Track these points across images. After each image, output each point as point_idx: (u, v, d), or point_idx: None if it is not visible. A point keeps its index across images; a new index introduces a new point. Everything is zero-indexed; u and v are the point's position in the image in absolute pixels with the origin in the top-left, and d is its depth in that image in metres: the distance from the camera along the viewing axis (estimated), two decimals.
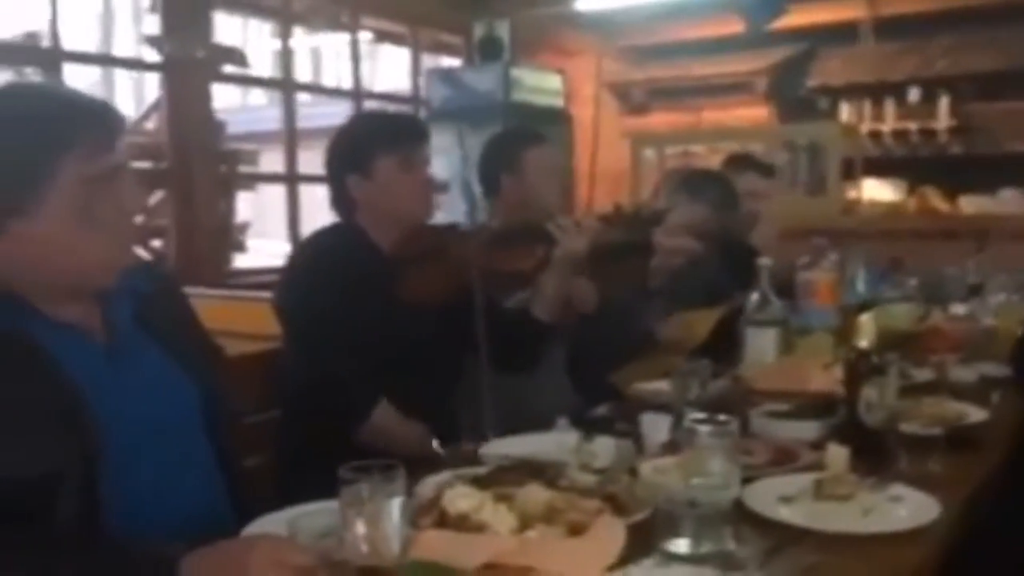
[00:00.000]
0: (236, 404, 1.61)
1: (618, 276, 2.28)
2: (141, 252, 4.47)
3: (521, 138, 2.59)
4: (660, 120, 6.45)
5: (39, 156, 1.16)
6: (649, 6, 5.73)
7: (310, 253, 1.98)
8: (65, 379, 1.18)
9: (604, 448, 1.52)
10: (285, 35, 5.01)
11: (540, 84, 5.78)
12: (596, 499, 1.16)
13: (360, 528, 0.99)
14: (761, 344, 2.04)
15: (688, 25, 6.03)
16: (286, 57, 4.97)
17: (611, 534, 1.06)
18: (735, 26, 5.41)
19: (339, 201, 2.03)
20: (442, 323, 1.93)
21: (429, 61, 5.93)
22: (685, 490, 1.14)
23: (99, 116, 1.22)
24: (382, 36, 6.08)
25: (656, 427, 1.54)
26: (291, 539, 1.03)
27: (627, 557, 1.08)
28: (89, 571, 1.01)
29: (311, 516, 1.10)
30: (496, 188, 2.51)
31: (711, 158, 6.06)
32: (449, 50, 6.14)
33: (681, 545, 1.13)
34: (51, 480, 1.12)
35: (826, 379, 1.75)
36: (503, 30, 5.78)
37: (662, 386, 1.77)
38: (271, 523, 1.19)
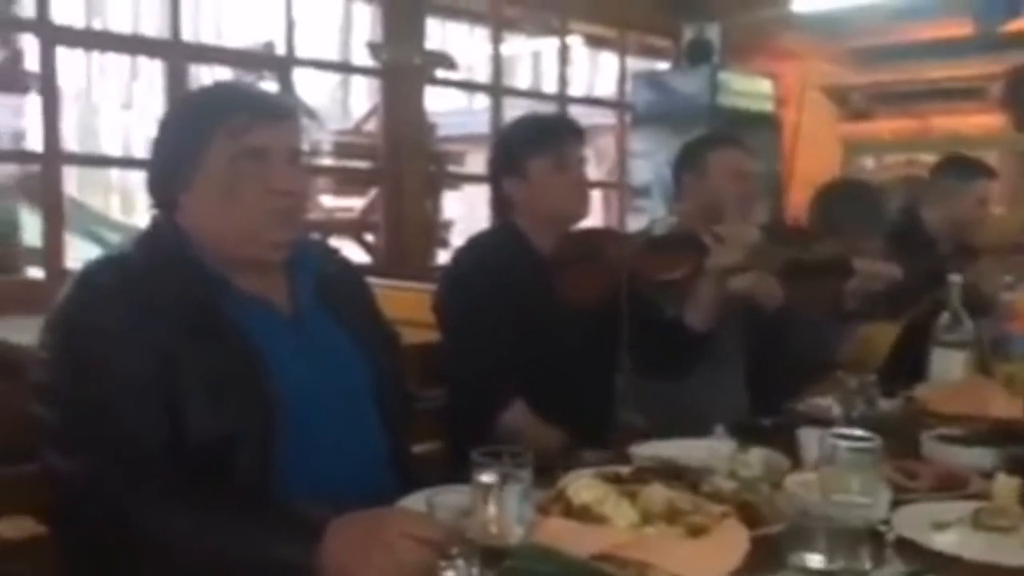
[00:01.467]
0: (411, 388, 1.72)
1: (811, 295, 2.20)
2: (354, 244, 4.80)
3: (707, 140, 2.57)
4: (882, 126, 6.12)
5: (196, 136, 1.33)
6: (872, 6, 5.45)
7: (469, 254, 2.07)
8: (250, 346, 1.32)
9: (758, 458, 1.50)
10: (496, 40, 5.19)
11: (749, 88, 5.65)
12: (727, 506, 1.15)
13: (488, 510, 1.05)
14: (948, 366, 1.91)
15: (914, 26, 5.68)
16: (496, 62, 5.16)
17: (733, 540, 1.06)
18: (965, 28, 5.05)
19: (498, 204, 2.11)
20: (595, 326, 1.96)
21: (636, 65, 5.94)
22: (821, 505, 1.12)
23: (248, 102, 1.37)
24: (591, 40, 6.16)
25: (812, 442, 1.50)
26: (426, 514, 1.11)
27: (752, 567, 1.08)
28: (246, 526, 1.13)
29: (449, 495, 1.17)
30: (679, 191, 2.51)
31: None
32: (657, 54, 6.12)
33: (813, 560, 1.11)
34: (232, 440, 1.26)
35: (1009, 404, 1.63)
36: (713, 33, 5.70)
37: (828, 401, 1.72)
38: (418, 501, 1.27)
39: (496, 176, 2.08)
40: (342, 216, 5.27)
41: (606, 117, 6.03)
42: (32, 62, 4.47)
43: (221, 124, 1.33)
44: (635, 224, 5.26)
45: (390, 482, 1.43)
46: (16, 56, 4.96)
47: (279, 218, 1.35)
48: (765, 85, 5.72)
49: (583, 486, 1.09)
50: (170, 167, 1.36)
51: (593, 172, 4.49)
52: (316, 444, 1.34)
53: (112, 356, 1.23)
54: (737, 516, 1.12)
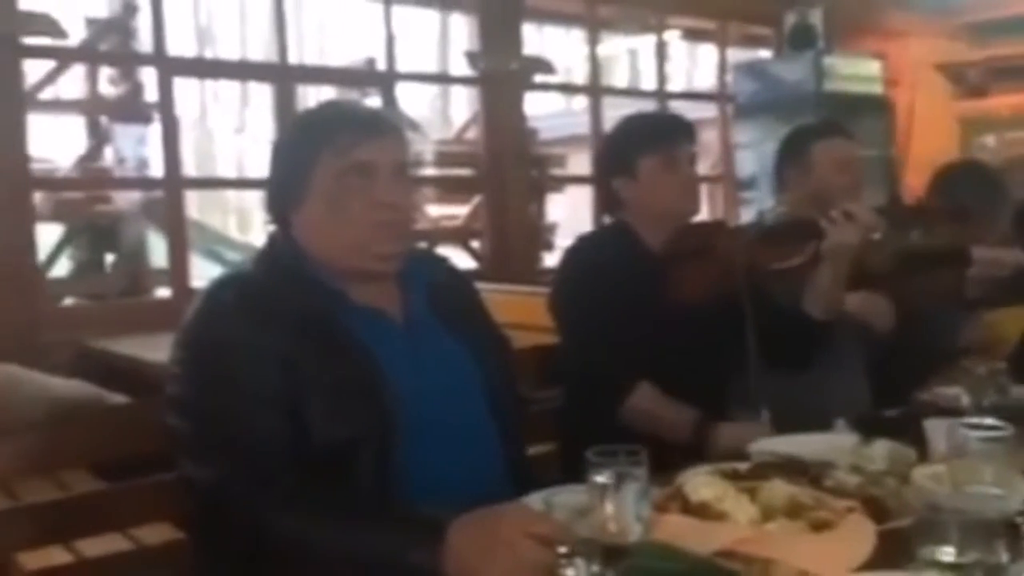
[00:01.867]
0: (524, 391, 1.74)
1: (927, 287, 2.13)
2: (460, 251, 4.87)
3: (811, 130, 2.51)
4: (1000, 103, 5.84)
5: (305, 155, 1.39)
6: None
7: (579, 253, 2.07)
8: (367, 355, 1.36)
9: (882, 451, 1.46)
10: (592, 41, 5.19)
11: (856, 71, 5.47)
12: (852, 500, 1.13)
13: (606, 508, 1.05)
14: None
15: None
16: (593, 62, 5.16)
17: (860, 535, 1.04)
18: None
19: (606, 203, 2.11)
20: (711, 322, 1.94)
21: (737, 55, 5.84)
22: (951, 497, 1.09)
23: (352, 120, 1.42)
24: (689, 34, 6.08)
25: (940, 433, 1.45)
26: (545, 513, 1.12)
27: (880, 562, 1.05)
28: (372, 527, 1.17)
29: (567, 494, 1.18)
30: (783, 183, 2.46)
31: None
32: (758, 42, 6.00)
33: (945, 554, 1.07)
34: (352, 445, 1.31)
35: None
36: (816, 18, 5.54)
37: (956, 391, 1.65)
38: (535, 501, 1.29)
39: (604, 175, 2.08)
40: (447, 224, 5.35)
41: (707, 110, 5.95)
42: (151, 93, 4.72)
43: (327, 142, 1.37)
44: (744, 217, 5.17)
45: (506, 485, 1.44)
46: (137, 89, 5.23)
47: (386, 231, 1.39)
48: (873, 67, 5.54)
49: (701, 483, 1.09)
50: (282, 186, 1.43)
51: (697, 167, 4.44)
52: (433, 449, 1.37)
53: (237, 368, 1.29)
54: (862, 510, 1.09)
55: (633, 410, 1.86)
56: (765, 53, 5.93)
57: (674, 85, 6.03)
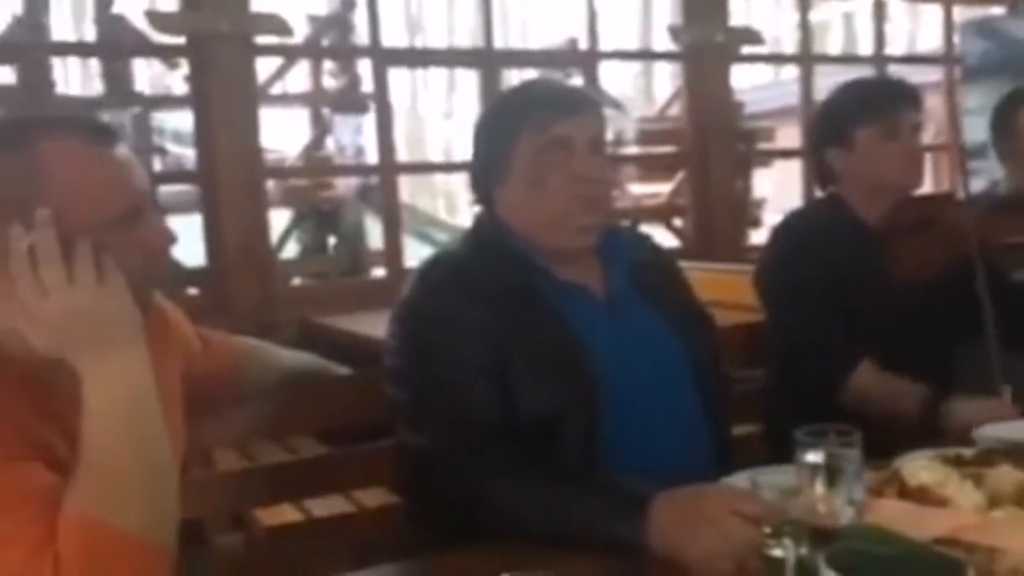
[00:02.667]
0: (728, 370, 1.71)
1: None
2: (662, 230, 4.83)
3: (1016, 97, 2.29)
4: None
5: (507, 133, 1.42)
6: None
7: (790, 229, 1.99)
8: (573, 332, 1.39)
9: None
10: (803, 8, 4.97)
11: None
12: None
13: (816, 490, 1.02)
14: None
15: None
16: (804, 30, 4.94)
17: None
18: None
19: (820, 175, 2.01)
20: (935, 298, 1.81)
21: (965, 14, 5.39)
22: None
23: (550, 97, 1.45)
24: None
25: None
26: (752, 492, 1.11)
27: None
28: (579, 498, 1.19)
29: (775, 473, 1.16)
30: (997, 154, 2.27)
31: None
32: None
33: None
34: (559, 416, 1.34)
35: None
36: None
37: None
38: (741, 480, 1.27)
39: (818, 146, 1.98)
40: (650, 203, 5.31)
41: (931, 74, 5.54)
42: (367, 84, 4.98)
43: (527, 120, 1.41)
44: (972, 189, 4.79)
45: (711, 464, 1.43)
46: (355, 81, 5.55)
47: (583, 204, 1.41)
48: None
49: (921, 467, 1.03)
50: (485, 165, 1.47)
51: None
52: (636, 424, 1.38)
53: (450, 341, 1.35)
54: None
55: (856, 390, 1.77)
56: (997, 10, 5.44)
57: (894, 48, 5.65)
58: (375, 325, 1.96)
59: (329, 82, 5.94)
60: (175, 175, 4.97)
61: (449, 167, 7.80)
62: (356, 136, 5.69)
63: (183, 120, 5.57)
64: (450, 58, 5.92)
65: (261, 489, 1.66)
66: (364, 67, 5.04)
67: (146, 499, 0.99)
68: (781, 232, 2.01)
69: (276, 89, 5.62)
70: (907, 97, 1.94)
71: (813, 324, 1.84)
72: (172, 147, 6.06)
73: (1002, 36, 4.96)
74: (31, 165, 1.00)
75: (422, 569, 1.19)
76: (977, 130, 5.00)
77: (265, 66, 4.80)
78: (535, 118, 1.41)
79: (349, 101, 5.64)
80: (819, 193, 2.07)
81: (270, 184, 4.09)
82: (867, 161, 1.90)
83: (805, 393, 1.79)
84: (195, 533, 1.71)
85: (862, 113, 1.90)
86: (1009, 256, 1.81)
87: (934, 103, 5.66)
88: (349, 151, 5.69)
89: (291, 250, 5.79)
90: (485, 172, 1.48)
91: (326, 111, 5.93)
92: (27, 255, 0.97)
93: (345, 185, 5.71)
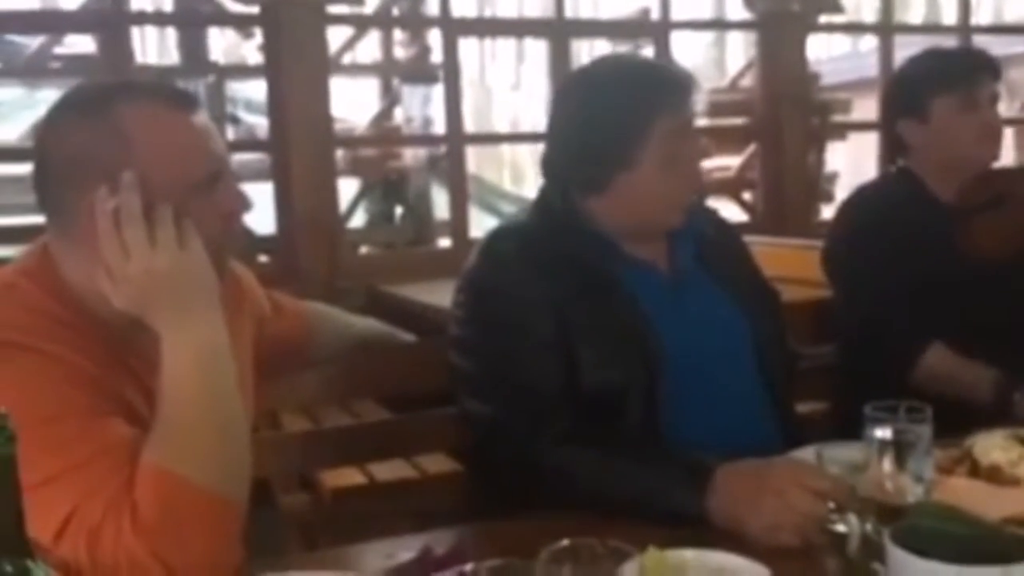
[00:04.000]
0: (795, 346, 1.69)
1: None
2: (732, 203, 4.75)
3: None
4: None
5: (640, 116, 1.39)
6: None
7: (860, 204, 1.94)
8: (637, 307, 1.39)
9: None
10: None
11: None
12: None
13: (884, 466, 1.01)
14: None
15: None
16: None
17: None
18: None
19: (892, 148, 1.96)
20: (1011, 276, 1.76)
21: None
22: None
23: (679, 81, 1.43)
24: None
25: None
26: (817, 466, 1.09)
27: None
28: (642, 467, 1.20)
29: (842, 448, 1.14)
30: None
31: None
32: None
33: None
34: (621, 390, 1.34)
35: None
36: None
37: None
38: (807, 453, 1.25)
39: (891, 117, 1.93)
40: (719, 176, 5.23)
41: (1017, 45, 5.33)
42: (436, 54, 4.99)
43: (665, 100, 1.40)
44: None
45: (775, 440, 1.42)
46: (425, 51, 5.55)
47: (697, 182, 1.49)
48: None
49: (994, 446, 1.01)
50: (606, 147, 1.41)
51: (1005, 108, 4.02)
52: (699, 399, 1.38)
53: (515, 313, 1.36)
54: None
55: (926, 372, 1.73)
56: None
57: (981, 18, 5.44)
58: (440, 294, 1.98)
59: (399, 52, 5.96)
60: (248, 143, 5.05)
61: (516, 138, 7.79)
62: (425, 106, 5.70)
63: (256, 89, 5.66)
64: (519, 28, 5.88)
65: (326, 452, 1.70)
66: (434, 37, 5.04)
67: (219, 455, 1.02)
68: (850, 207, 1.97)
69: (346, 59, 5.66)
70: (986, 67, 1.88)
71: (883, 303, 1.80)
72: (244, 116, 6.16)
73: None
74: (116, 129, 1.03)
75: (482, 534, 1.21)
76: None
77: (336, 36, 4.84)
78: (670, 100, 1.40)
79: (418, 71, 5.65)
80: (891, 167, 2.02)
81: (339, 153, 4.13)
82: (942, 133, 1.85)
83: (874, 372, 1.76)
84: (262, 493, 1.76)
85: (938, 83, 1.85)
86: None
87: (1020, 75, 5.48)
88: (417, 122, 5.71)
89: (359, 219, 5.85)
90: (605, 157, 1.40)
91: (395, 81, 5.96)
92: (111, 217, 1.01)
93: (413, 156, 5.74)
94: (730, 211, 4.37)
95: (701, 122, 5.14)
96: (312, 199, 3.52)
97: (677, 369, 1.36)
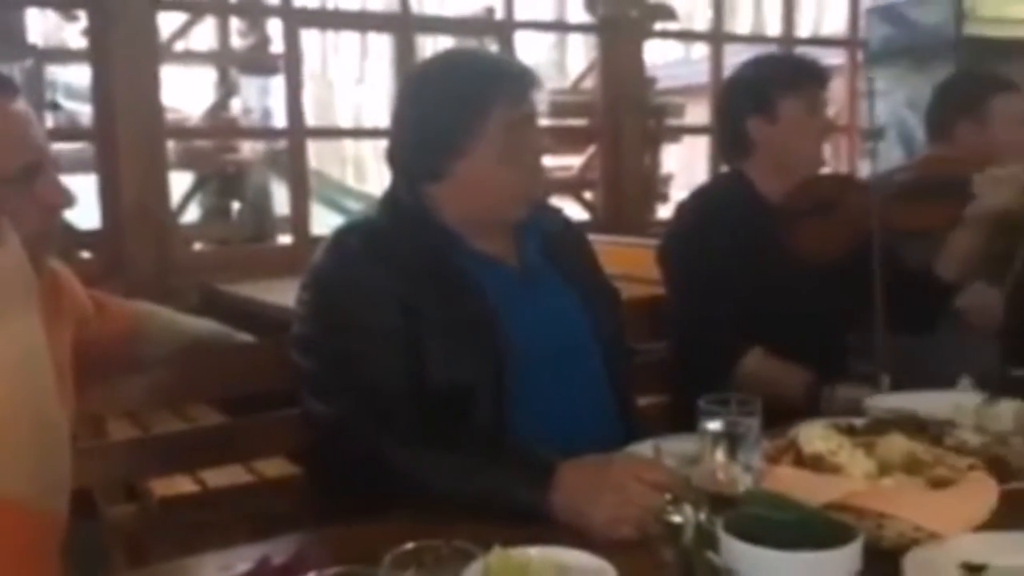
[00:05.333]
0: (632, 342, 1.74)
1: None
2: (573, 202, 4.85)
3: (988, 82, 2.33)
4: None
5: (477, 104, 1.39)
6: None
7: (693, 205, 2.01)
8: (486, 303, 1.39)
9: (1009, 411, 1.40)
10: None
11: (1002, 13, 5.13)
12: (975, 459, 1.08)
13: (716, 458, 1.05)
14: None
15: None
16: (716, 8, 5.00)
17: (981, 493, 1.00)
18: None
19: (734, 146, 2.00)
20: (832, 279, 1.86)
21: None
22: None
23: (518, 74, 1.44)
24: None
25: None
26: (655, 460, 1.13)
27: (1001, 521, 1.01)
28: (485, 465, 1.20)
29: (677, 441, 1.19)
30: (948, 134, 2.32)
31: None
32: None
33: None
34: (469, 387, 1.34)
35: None
36: None
37: None
38: (645, 448, 1.29)
39: (738, 116, 1.97)
40: (560, 175, 5.33)
41: (835, 57, 5.70)
42: (276, 44, 4.84)
43: (501, 93, 1.40)
44: (869, 170, 4.96)
45: (616, 433, 1.46)
46: (264, 41, 5.38)
47: (540, 177, 1.49)
48: (1021, 9, 5.18)
49: (815, 435, 1.06)
50: (441, 138, 1.41)
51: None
52: (545, 395, 1.40)
53: (362, 309, 1.34)
54: (985, 469, 1.05)
55: (744, 374, 1.81)
56: None
57: (801, 31, 5.78)
58: (280, 292, 1.93)
59: (236, 41, 5.75)
60: (70, 132, 4.74)
61: (361, 133, 7.67)
62: (264, 98, 5.53)
63: (77, 74, 5.33)
64: (363, 21, 5.80)
65: (155, 459, 1.62)
66: (274, 27, 4.89)
67: (36, 465, 0.94)
68: (684, 208, 2.03)
69: (180, 46, 5.41)
70: (822, 75, 1.98)
71: (709, 303, 1.86)
72: (65, 103, 5.78)
73: (906, 22, 5.12)
74: None
75: (323, 540, 1.18)
76: (879, 114, 5.20)
77: (169, 22, 4.62)
78: (508, 91, 1.40)
79: (257, 62, 5.47)
80: (724, 169, 2.10)
81: (171, 145, 3.94)
82: (788, 133, 1.92)
83: (703, 367, 1.82)
84: (85, 504, 1.65)
85: (788, 85, 1.92)
86: (909, 241, 1.86)
87: (838, 85, 5.85)
88: (256, 114, 5.54)
89: (192, 214, 5.61)
90: (441, 143, 1.41)
91: (233, 71, 5.75)
92: None
93: (251, 149, 5.56)
94: (572, 210, 4.46)
95: (544, 122, 5.23)
96: (140, 192, 3.34)
97: (525, 365, 1.37)
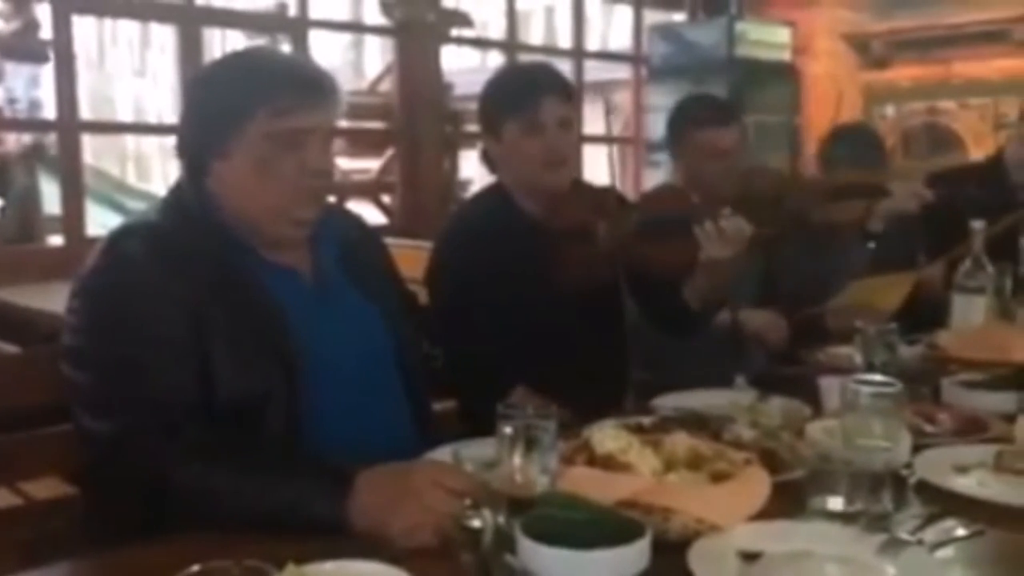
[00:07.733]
0: (428, 347, 1.72)
1: (837, 215, 2.08)
2: (371, 206, 4.81)
3: (688, 116, 2.43)
4: (902, 74, 6.03)
5: (238, 106, 1.31)
6: None
7: (456, 218, 1.99)
8: (273, 307, 1.33)
9: (778, 407, 1.52)
10: None
11: (766, 38, 5.58)
12: (750, 453, 1.17)
13: (513, 461, 1.06)
14: (968, 313, 1.91)
15: None
16: (511, 18, 5.12)
17: (756, 485, 1.07)
18: None
19: (486, 160, 1.97)
20: (595, 291, 1.85)
21: (652, 17, 5.87)
22: (841, 450, 1.14)
23: (294, 81, 1.34)
24: None
25: (833, 391, 1.51)
26: (453, 465, 1.13)
27: (775, 511, 1.09)
28: (278, 479, 1.15)
29: (476, 446, 1.19)
30: (673, 156, 2.47)
31: (960, 113, 5.62)
32: (673, 5, 6.04)
33: (834, 503, 1.13)
34: (260, 398, 1.29)
35: None
36: None
37: (848, 350, 1.72)
38: (444, 453, 1.29)
39: (481, 134, 1.96)
40: (358, 178, 5.27)
41: (622, 71, 5.98)
42: (46, 31, 4.48)
43: (266, 99, 1.31)
44: (651, 179, 5.24)
45: (413, 440, 1.44)
46: (32, 26, 4.96)
47: (309, 197, 1.36)
48: (783, 34, 5.65)
49: (607, 436, 1.11)
50: (206, 131, 1.35)
51: (602, 127, 4.45)
52: (341, 405, 1.36)
53: (142, 317, 1.25)
54: (759, 462, 1.13)
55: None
56: (679, 16, 5.98)
57: (590, 45, 6.02)
58: (50, 298, 1.78)
59: (0, 25, 5.28)
60: None
61: (143, 129, 7.25)
62: (31, 88, 5.11)
63: None
64: (144, 11, 5.47)
65: None
66: (43, 11, 4.52)
67: None
68: (449, 221, 1.98)
69: None
70: (550, 88, 1.85)
71: (470, 335, 1.77)
72: None
73: (684, 41, 5.46)
74: None
75: (100, 564, 1.10)
76: (658, 126, 5.51)
77: None
78: (275, 100, 1.31)
79: (23, 48, 5.04)
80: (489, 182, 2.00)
81: None
82: (511, 156, 1.87)
83: (472, 384, 1.75)
84: None
85: (507, 106, 1.84)
86: (655, 269, 1.83)
87: (624, 98, 6.13)
88: (22, 104, 5.10)
89: None
90: (205, 138, 1.35)
91: None
92: None
93: (16, 141, 5.12)
94: (370, 213, 4.42)
95: (340, 123, 5.15)
96: None
97: (320, 376, 1.33)
